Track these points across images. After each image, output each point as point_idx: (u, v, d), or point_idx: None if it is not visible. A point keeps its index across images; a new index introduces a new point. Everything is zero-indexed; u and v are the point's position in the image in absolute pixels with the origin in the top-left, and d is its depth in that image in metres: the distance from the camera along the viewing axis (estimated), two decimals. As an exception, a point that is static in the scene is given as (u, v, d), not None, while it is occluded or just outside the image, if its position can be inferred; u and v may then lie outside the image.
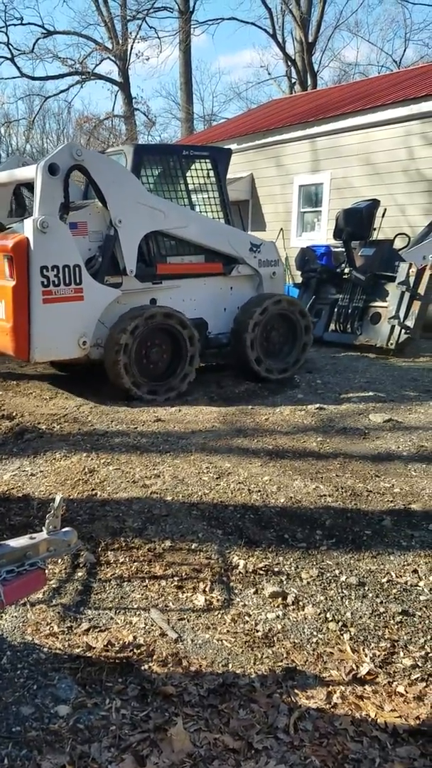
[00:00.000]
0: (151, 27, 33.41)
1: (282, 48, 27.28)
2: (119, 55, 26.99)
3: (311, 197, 13.94)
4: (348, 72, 32.04)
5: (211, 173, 6.90)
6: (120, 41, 26.85)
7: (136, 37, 26.80)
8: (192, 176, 6.77)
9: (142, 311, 6.09)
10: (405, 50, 50.55)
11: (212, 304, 6.86)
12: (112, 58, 27.30)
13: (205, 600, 2.81)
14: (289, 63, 27.43)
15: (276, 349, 7.01)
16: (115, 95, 29.29)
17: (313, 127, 13.41)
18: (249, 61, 58.68)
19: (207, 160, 6.87)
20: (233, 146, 14.74)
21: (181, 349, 6.27)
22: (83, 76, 27.12)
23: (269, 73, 46.15)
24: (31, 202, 6.27)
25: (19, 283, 5.54)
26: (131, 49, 27.44)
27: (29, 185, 6.33)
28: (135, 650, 2.46)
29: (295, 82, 27.04)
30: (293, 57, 26.71)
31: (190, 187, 6.73)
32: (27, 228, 5.55)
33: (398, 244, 8.77)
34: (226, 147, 7.50)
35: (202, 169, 6.88)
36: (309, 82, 25.26)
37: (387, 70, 26.63)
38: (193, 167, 6.79)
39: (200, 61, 61.01)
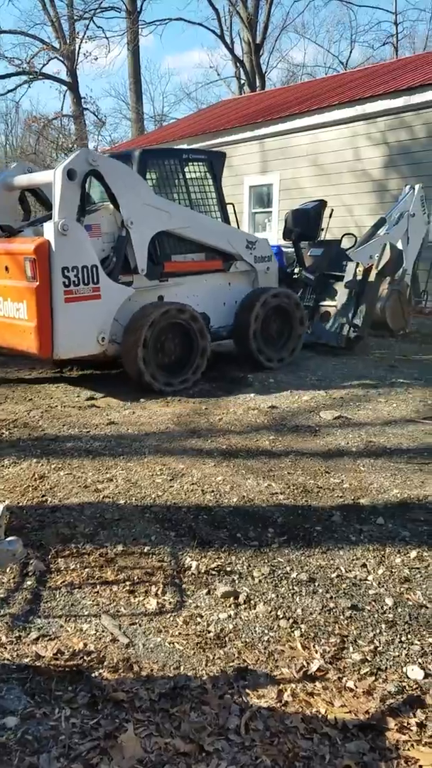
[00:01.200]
0: (98, 27, 33.01)
1: (230, 49, 27.44)
2: (67, 54, 26.62)
3: (262, 198, 14.05)
4: (296, 73, 32.43)
5: (209, 175, 7.24)
6: (67, 41, 26.49)
7: (83, 37, 26.49)
8: (191, 178, 7.08)
9: (157, 307, 6.41)
10: (351, 52, 51.34)
11: (213, 299, 7.20)
12: (60, 57, 26.91)
13: (157, 603, 2.80)
14: (238, 64, 27.58)
15: (275, 340, 7.42)
16: (64, 95, 28.90)
17: (261, 128, 13.51)
18: (198, 62, 58.80)
19: (204, 163, 7.22)
20: (183, 146, 14.74)
21: (192, 342, 6.57)
22: (30, 76, 26.66)
23: (218, 74, 46.36)
24: (35, 206, 6.60)
25: (42, 283, 5.78)
26: (79, 48, 27.11)
27: (33, 190, 6.99)
28: (85, 657, 2.42)
29: (244, 83, 27.20)
30: (241, 58, 26.87)
31: (190, 188, 7.04)
32: (48, 231, 5.81)
33: (346, 243, 8.89)
34: (221, 151, 7.86)
35: (200, 172, 7.20)
36: (257, 83, 25.43)
37: (334, 72, 27.04)
38: (191, 170, 7.10)
39: (149, 62, 60.69)
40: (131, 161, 6.54)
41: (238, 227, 7.87)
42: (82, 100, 27.67)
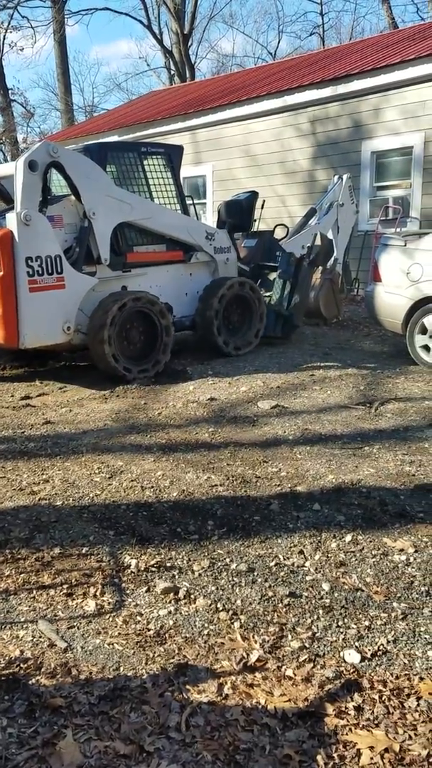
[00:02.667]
0: (23, 16, 32.17)
1: (158, 39, 27.12)
2: (-10, 44, 25.81)
3: (196, 189, 14.00)
4: (225, 64, 32.43)
5: (167, 168, 7.36)
6: (-10, 31, 25.65)
7: (8, 27, 25.70)
8: (150, 171, 7.21)
9: (123, 295, 6.55)
10: (279, 42, 51.82)
11: (175, 289, 7.36)
12: (-17, 47, 26.06)
13: (96, 605, 2.75)
14: (167, 54, 27.33)
15: (238, 327, 7.63)
16: (-11, 86, 27.96)
17: (192, 119, 13.46)
18: (127, 52, 57.99)
19: (162, 156, 7.34)
20: (115, 137, 14.55)
21: (156, 326, 6.69)
22: None
23: (148, 64, 45.95)
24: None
25: (6, 273, 5.87)
26: (4, 38, 26.33)
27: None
28: (22, 665, 2.36)
29: (174, 74, 26.99)
30: (170, 48, 26.64)
31: (150, 181, 7.18)
32: (10, 222, 5.90)
33: (278, 234, 8.96)
34: (178, 144, 8.04)
35: (159, 164, 7.32)
36: (187, 73, 25.27)
37: (263, 62, 27.14)
38: (150, 163, 7.22)
39: (77, 52, 59.54)
40: (91, 154, 6.61)
41: (197, 219, 7.96)
42: (9, 92, 26.94)
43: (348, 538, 3.18)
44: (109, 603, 2.77)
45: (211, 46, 35.93)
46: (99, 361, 6.48)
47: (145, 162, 7.17)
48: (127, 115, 16.51)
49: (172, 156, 7.40)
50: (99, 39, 51.83)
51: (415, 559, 2.97)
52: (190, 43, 26.32)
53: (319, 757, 1.93)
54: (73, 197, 6.38)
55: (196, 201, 13.96)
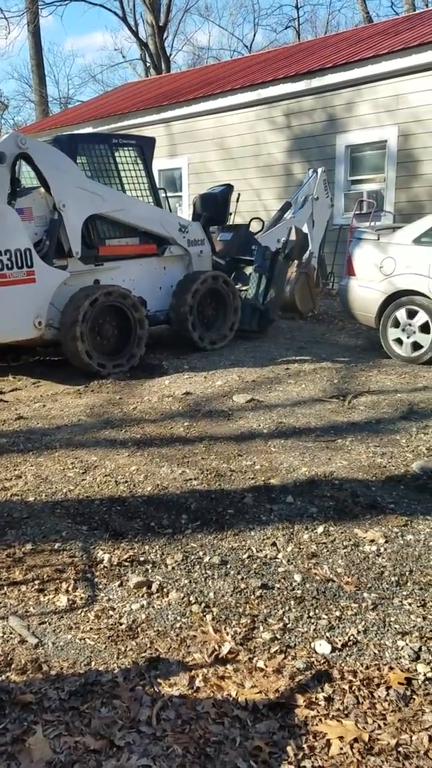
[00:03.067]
0: (-5, 6, 31.60)
1: (133, 31, 26.92)
2: (-38, 34, 25.39)
3: (172, 182, 13.93)
4: (201, 56, 32.26)
5: (139, 159, 7.27)
6: (-38, 20, 25.19)
7: (-21, 17, 25.24)
8: (122, 163, 7.13)
9: (94, 290, 6.46)
10: (255, 35, 51.69)
11: (149, 283, 7.28)
12: None
13: (68, 600, 2.74)
14: (142, 46, 27.12)
15: (213, 321, 7.61)
16: (-39, 77, 27.54)
17: (167, 111, 13.38)
18: (102, 44, 57.45)
19: (134, 148, 7.26)
20: (89, 129, 14.41)
21: (130, 321, 6.64)
22: None
23: (124, 56, 45.59)
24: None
25: None
26: (-26, 28, 25.90)
27: None
28: (-8, 662, 2.34)
29: (150, 66, 26.80)
30: (145, 40, 26.43)
31: (121, 173, 7.10)
32: None
33: (254, 227, 8.96)
34: (150, 136, 7.91)
35: (130, 156, 7.25)
36: (162, 65, 25.11)
37: (239, 55, 27.07)
38: (122, 155, 7.15)
39: (52, 43, 58.79)
40: (61, 146, 6.52)
41: (171, 211, 7.91)
42: (-19, 83, 26.52)
43: (320, 529, 3.20)
44: (81, 598, 2.76)
45: (186, 38, 35.85)
46: (72, 357, 6.42)
47: (117, 154, 7.09)
48: (101, 106, 16.37)
49: (144, 148, 7.33)
50: (73, 30, 51.30)
51: (385, 549, 3.00)
52: (165, 35, 26.15)
53: (289, 748, 1.94)
54: (42, 189, 6.29)
55: (171, 194, 13.93)
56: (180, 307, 7.23)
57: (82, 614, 2.65)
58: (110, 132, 14.16)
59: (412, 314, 6.60)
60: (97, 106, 16.71)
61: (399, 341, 6.75)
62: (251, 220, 9.21)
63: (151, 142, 7.52)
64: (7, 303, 5.92)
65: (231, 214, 8.78)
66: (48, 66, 31.07)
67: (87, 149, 6.87)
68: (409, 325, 6.62)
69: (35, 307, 6.16)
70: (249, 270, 8.15)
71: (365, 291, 7.00)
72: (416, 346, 6.60)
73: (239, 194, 8.94)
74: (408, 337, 6.65)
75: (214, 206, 8.28)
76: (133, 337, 6.67)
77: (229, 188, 8.55)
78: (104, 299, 6.43)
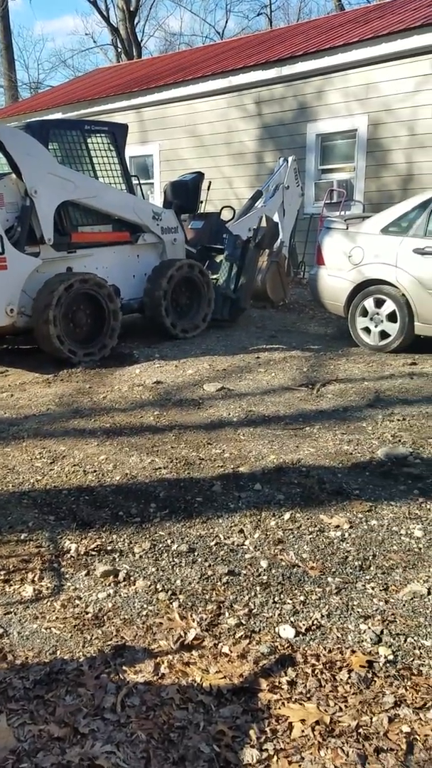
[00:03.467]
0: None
1: (104, 16, 26.52)
2: None
3: (144, 169, 13.81)
4: (173, 42, 31.94)
5: (111, 146, 7.23)
6: None
7: None
8: (94, 149, 7.07)
9: (70, 276, 6.45)
10: (227, 22, 51.32)
11: (122, 271, 7.24)
12: None
13: (34, 590, 2.73)
14: (113, 32, 26.75)
15: (186, 310, 7.59)
16: None
17: (138, 97, 13.25)
18: (73, 28, 56.49)
19: (107, 135, 7.21)
20: (59, 115, 14.21)
21: (104, 310, 6.60)
22: None
23: (95, 41, 44.90)
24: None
25: None
26: None
27: None
28: None
29: (121, 52, 26.45)
30: (116, 25, 26.07)
31: (94, 159, 7.04)
32: None
33: (225, 216, 8.94)
34: (122, 123, 7.87)
35: (103, 142, 7.19)
36: (134, 51, 24.81)
37: (210, 41, 26.85)
38: (94, 141, 7.08)
39: (21, 27, 57.49)
40: (33, 132, 6.44)
41: (143, 198, 7.88)
42: None
43: (287, 516, 3.23)
44: (47, 588, 2.75)
45: (158, 24, 35.36)
46: (43, 341, 6.36)
47: (89, 140, 7.04)
48: (71, 92, 16.13)
49: (117, 134, 7.29)
50: (43, 14, 50.29)
51: (350, 534, 3.04)
52: (137, 21, 25.88)
53: (251, 732, 1.97)
54: (14, 175, 6.23)
55: (143, 181, 13.83)
56: (154, 291, 7.20)
57: (48, 604, 2.65)
58: (81, 118, 13.99)
59: (379, 303, 6.66)
60: (68, 92, 16.46)
61: (367, 330, 6.81)
62: (222, 208, 9.19)
63: (123, 128, 7.45)
64: None
65: (202, 202, 8.73)
66: (17, 50, 30.53)
67: (59, 135, 6.82)
68: (377, 314, 6.68)
69: (7, 294, 6.12)
70: (220, 258, 8.14)
71: (334, 280, 7.04)
72: (384, 334, 6.67)
73: (210, 182, 8.89)
74: (376, 326, 6.72)
75: (185, 194, 8.23)
76: (106, 328, 6.64)
77: (200, 176, 8.50)
78: (80, 286, 6.41)
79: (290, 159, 9.04)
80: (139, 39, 26.53)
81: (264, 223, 8.38)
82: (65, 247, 6.67)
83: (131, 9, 24.67)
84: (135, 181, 7.70)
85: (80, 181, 6.66)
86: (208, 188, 8.76)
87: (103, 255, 7.03)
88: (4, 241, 6.01)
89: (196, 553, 2.96)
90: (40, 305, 6.24)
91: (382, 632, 2.39)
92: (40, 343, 6.46)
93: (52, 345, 6.27)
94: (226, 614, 2.53)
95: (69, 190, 6.52)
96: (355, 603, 2.56)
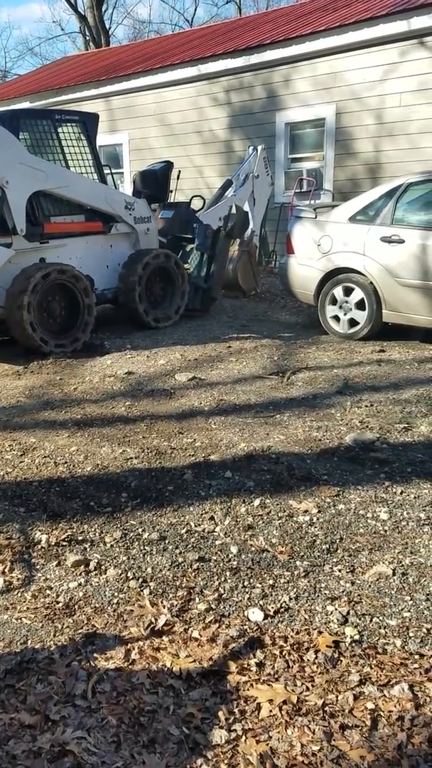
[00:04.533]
0: None
1: (71, 3, 26.12)
2: None
3: (114, 158, 13.69)
4: (142, 30, 31.62)
5: (83, 136, 7.21)
6: None
7: None
8: (65, 139, 7.04)
9: (47, 266, 6.45)
10: (196, 9, 50.94)
11: (96, 261, 7.23)
12: None
13: (4, 581, 2.73)
14: (81, 19, 26.38)
15: (159, 300, 7.60)
16: None
17: (106, 85, 13.11)
18: (40, 15, 55.48)
19: (77, 124, 7.18)
20: (26, 104, 14.00)
21: (79, 303, 6.61)
22: None
23: (63, 29, 44.20)
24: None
25: None
26: None
27: None
28: None
29: (89, 40, 26.11)
30: (84, 13, 25.71)
31: (65, 149, 7.00)
32: None
33: (195, 205, 8.93)
34: (93, 112, 7.80)
35: (74, 132, 7.16)
36: (102, 39, 24.51)
37: (179, 29, 26.63)
38: (65, 131, 7.05)
39: (-14, 13, 56.32)
40: (2, 122, 6.37)
41: (115, 188, 7.84)
42: None
43: (256, 502, 3.27)
44: (18, 579, 2.76)
45: (127, 11, 35.01)
46: (15, 327, 6.33)
47: (60, 130, 7.00)
48: (39, 80, 15.90)
49: (88, 124, 7.27)
50: (9, 1, 49.33)
51: (318, 519, 3.09)
52: (105, 8, 25.54)
53: (220, 713, 2.01)
54: None
55: (114, 170, 13.72)
56: (129, 276, 7.21)
57: (19, 594, 2.65)
58: (48, 107, 13.80)
59: (348, 291, 6.73)
60: (35, 80, 16.22)
61: (336, 318, 6.88)
62: (192, 197, 9.17)
63: (94, 118, 7.43)
64: None
65: (171, 191, 8.70)
66: (-18, 37, 29.88)
67: (30, 125, 6.78)
68: (346, 302, 6.75)
69: None
70: (191, 248, 8.13)
71: (304, 269, 7.09)
72: (353, 322, 6.74)
73: (179, 171, 8.87)
74: (345, 314, 6.79)
75: (155, 183, 8.21)
76: (80, 322, 6.64)
77: (169, 165, 8.47)
78: (57, 276, 6.42)
79: (260, 148, 9.06)
80: (108, 27, 26.27)
81: (234, 212, 8.39)
82: (38, 238, 6.64)
83: (98, -5, 24.34)
84: (107, 171, 7.67)
85: (51, 171, 6.63)
86: (178, 177, 8.75)
87: (76, 245, 7.01)
88: None
89: (167, 541, 2.99)
90: (16, 290, 6.22)
91: (348, 613, 2.44)
92: (12, 330, 6.41)
93: (24, 331, 6.24)
94: (197, 600, 2.56)
95: (40, 179, 6.49)
96: (323, 585, 2.62)
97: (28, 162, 6.39)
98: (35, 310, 6.27)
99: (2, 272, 6.26)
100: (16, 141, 6.35)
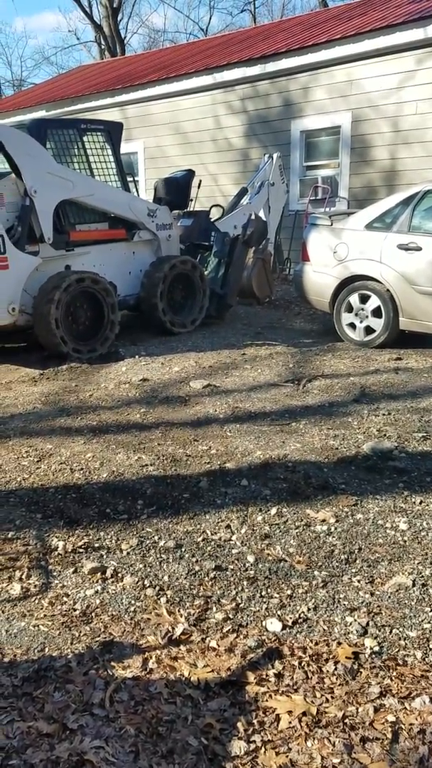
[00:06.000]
0: None
1: (87, 12, 26.39)
2: None
3: (129, 166, 13.76)
4: (157, 39, 31.86)
5: (107, 145, 7.33)
6: None
7: None
8: (90, 148, 7.17)
9: (69, 275, 6.53)
10: (210, 18, 51.26)
11: (119, 268, 7.35)
12: None
13: (22, 588, 2.73)
14: (96, 28, 26.63)
15: (178, 306, 7.67)
16: None
17: (121, 94, 13.21)
18: (55, 25, 56.12)
19: (102, 133, 7.31)
20: (42, 113, 14.14)
21: (102, 308, 6.73)
22: None
23: (78, 38, 44.64)
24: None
25: None
26: None
27: None
28: None
29: (104, 49, 26.35)
30: (99, 22, 25.96)
31: (90, 158, 7.13)
32: None
33: (214, 214, 8.95)
34: (118, 121, 7.98)
35: (98, 141, 7.29)
36: (117, 48, 24.72)
37: (194, 38, 26.81)
38: (90, 140, 7.19)
39: (2, 23, 57.13)
40: (30, 131, 6.50)
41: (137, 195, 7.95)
42: None
43: (273, 511, 3.25)
44: (35, 585, 2.75)
45: (141, 20, 35.28)
46: (40, 321, 6.38)
47: (85, 139, 7.12)
48: (55, 89, 16.05)
49: (112, 133, 7.38)
50: (24, 10, 49.89)
51: (336, 528, 3.07)
52: (120, 17, 25.77)
53: (239, 724, 1.99)
54: (14, 175, 6.30)
55: (129, 178, 13.79)
56: (155, 273, 7.29)
57: (36, 601, 2.65)
58: (64, 116, 13.93)
59: (364, 299, 6.70)
60: (51, 89, 16.38)
61: (352, 326, 6.85)
62: (212, 207, 9.19)
63: (119, 127, 7.54)
64: None
65: (192, 200, 8.74)
66: (-1, 47, 30.25)
67: (55, 134, 6.88)
68: (362, 309, 6.72)
69: (9, 293, 6.20)
70: (208, 256, 8.16)
71: (319, 276, 7.07)
72: (369, 330, 6.71)
73: (200, 180, 8.91)
74: (361, 322, 6.76)
75: (176, 191, 8.30)
76: (101, 334, 6.74)
77: (190, 174, 8.54)
78: (90, 284, 6.56)
79: (275, 156, 9.07)
80: (123, 36, 26.47)
81: (253, 219, 8.40)
82: (63, 246, 6.75)
83: (114, 5, 24.57)
84: (129, 179, 7.74)
85: (77, 180, 6.75)
86: (198, 186, 8.78)
87: (100, 252, 7.12)
88: (6, 241, 6.08)
89: (183, 549, 2.98)
90: (49, 286, 6.33)
91: (367, 624, 2.42)
92: (36, 325, 6.46)
93: (48, 326, 6.30)
94: (214, 609, 2.55)
95: (67, 189, 6.61)
96: (341, 596, 2.59)
97: (55, 171, 6.50)
98: (63, 308, 6.34)
99: (30, 280, 6.37)
100: (43, 150, 6.47)
